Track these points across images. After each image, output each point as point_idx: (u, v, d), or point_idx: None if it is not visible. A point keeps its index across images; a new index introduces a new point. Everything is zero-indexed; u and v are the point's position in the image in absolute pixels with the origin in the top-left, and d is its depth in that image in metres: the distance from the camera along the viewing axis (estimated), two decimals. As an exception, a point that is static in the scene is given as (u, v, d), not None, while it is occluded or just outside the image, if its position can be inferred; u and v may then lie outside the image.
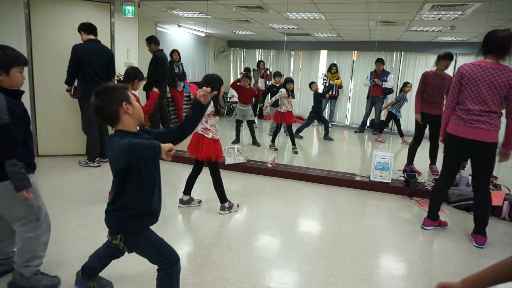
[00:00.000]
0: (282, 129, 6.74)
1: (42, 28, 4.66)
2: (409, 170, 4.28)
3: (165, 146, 1.54)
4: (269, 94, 6.79)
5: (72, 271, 2.18)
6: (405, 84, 7.00)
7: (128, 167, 1.61)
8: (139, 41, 5.45)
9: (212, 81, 2.99)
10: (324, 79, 8.32)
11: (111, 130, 4.03)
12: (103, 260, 2.02)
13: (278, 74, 6.61)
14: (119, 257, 2.01)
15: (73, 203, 3.41)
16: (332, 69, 8.18)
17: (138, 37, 5.42)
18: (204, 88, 1.79)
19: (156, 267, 1.81)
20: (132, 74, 3.31)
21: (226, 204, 3.37)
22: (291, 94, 5.76)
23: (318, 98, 6.86)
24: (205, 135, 3.24)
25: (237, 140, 6.11)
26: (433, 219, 3.21)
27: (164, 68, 5.65)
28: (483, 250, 2.91)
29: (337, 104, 8.80)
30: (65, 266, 2.31)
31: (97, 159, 4.64)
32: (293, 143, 5.94)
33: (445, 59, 4.41)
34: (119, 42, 5.12)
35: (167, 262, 1.79)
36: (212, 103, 3.13)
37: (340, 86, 8.48)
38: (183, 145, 2.90)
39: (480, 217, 2.96)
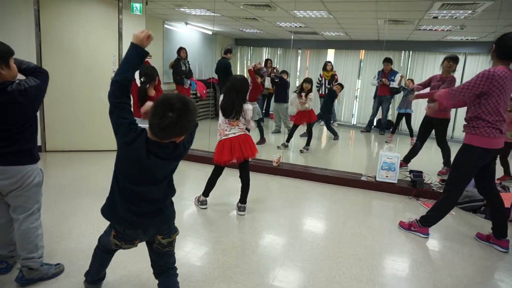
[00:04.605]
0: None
1: (51, 24, 4.69)
2: (415, 171, 4.24)
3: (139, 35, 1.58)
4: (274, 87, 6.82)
5: (77, 266, 2.20)
6: (407, 80, 7.03)
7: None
8: (146, 38, 5.47)
9: (242, 84, 3.11)
10: (318, 79, 8.20)
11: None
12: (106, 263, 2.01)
13: (283, 72, 6.61)
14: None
15: (82, 199, 3.44)
16: (327, 66, 8.00)
17: (145, 34, 5.44)
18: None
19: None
20: (151, 73, 3.23)
21: (245, 205, 3.37)
22: (305, 94, 5.67)
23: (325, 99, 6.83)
24: (247, 132, 3.27)
25: None
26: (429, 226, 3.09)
27: None
28: (490, 252, 2.88)
29: (335, 102, 8.58)
30: (71, 260, 2.33)
31: None
32: (308, 143, 5.91)
33: (449, 60, 4.35)
34: (127, 39, 5.14)
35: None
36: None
37: (336, 80, 8.07)
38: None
39: (500, 220, 2.89)
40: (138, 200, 1.60)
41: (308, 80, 5.72)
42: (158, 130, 1.46)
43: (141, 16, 5.25)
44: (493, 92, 2.56)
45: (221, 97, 3.22)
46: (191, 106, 1.47)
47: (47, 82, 2.08)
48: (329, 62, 8.14)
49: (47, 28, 4.68)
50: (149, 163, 1.53)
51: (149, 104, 1.58)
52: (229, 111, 3.13)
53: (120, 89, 1.54)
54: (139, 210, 1.61)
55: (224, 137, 3.20)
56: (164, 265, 1.77)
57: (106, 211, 1.67)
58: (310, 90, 5.67)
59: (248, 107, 3.18)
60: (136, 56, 1.60)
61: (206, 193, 3.40)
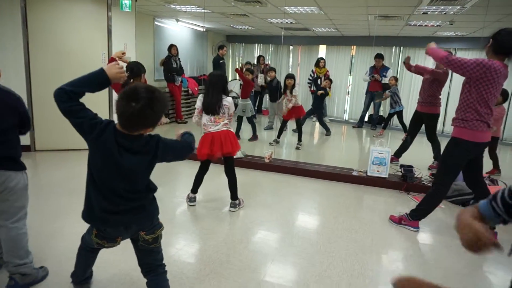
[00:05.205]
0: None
1: (39, 21, 4.63)
2: (406, 165, 4.28)
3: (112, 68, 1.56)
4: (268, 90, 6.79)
5: (68, 266, 2.19)
6: (389, 79, 7.06)
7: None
8: (136, 36, 5.42)
9: (219, 79, 3.15)
10: (311, 75, 8.18)
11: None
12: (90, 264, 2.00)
13: (271, 69, 6.56)
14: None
15: (71, 198, 3.41)
16: (320, 63, 7.98)
17: (135, 31, 5.39)
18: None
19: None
20: (136, 69, 3.20)
21: (237, 201, 3.37)
22: (289, 90, 5.68)
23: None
24: (230, 129, 3.26)
25: (237, 136, 6.09)
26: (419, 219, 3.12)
27: None
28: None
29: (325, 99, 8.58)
30: (61, 260, 2.31)
31: None
32: (299, 139, 5.93)
33: None
34: (116, 36, 5.09)
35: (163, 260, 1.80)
36: (232, 102, 3.25)
37: (327, 76, 8.02)
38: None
39: None
40: (115, 197, 1.57)
41: (289, 76, 5.71)
42: (123, 119, 1.45)
43: (131, 13, 5.21)
44: (485, 81, 2.57)
45: (199, 97, 3.23)
46: (157, 96, 1.46)
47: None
48: (322, 58, 8.13)
49: (34, 25, 4.61)
50: (121, 157, 1.49)
51: None
52: (211, 108, 3.14)
53: (64, 96, 1.49)
54: (118, 207, 1.59)
55: (206, 132, 3.22)
56: (151, 263, 1.75)
57: (85, 215, 1.65)
58: (293, 86, 5.66)
59: (228, 99, 3.19)
60: (96, 78, 1.55)
61: (194, 190, 3.40)
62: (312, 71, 8.13)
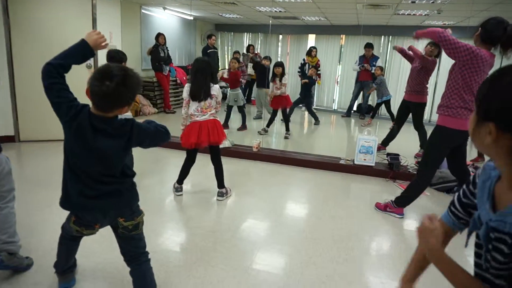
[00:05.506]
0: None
1: (21, 10, 4.50)
2: (392, 154, 4.33)
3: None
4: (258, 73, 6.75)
5: (52, 257, 2.17)
6: (375, 69, 7.09)
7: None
8: (122, 24, 5.32)
9: (205, 65, 3.10)
10: (301, 63, 8.10)
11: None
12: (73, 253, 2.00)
13: (265, 58, 6.55)
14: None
15: (57, 189, 3.35)
16: (312, 52, 7.94)
17: (121, 19, 5.29)
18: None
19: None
20: (118, 57, 3.13)
21: (224, 190, 3.37)
22: (279, 78, 5.67)
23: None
24: (216, 118, 3.24)
25: (225, 126, 6.08)
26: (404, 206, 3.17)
27: None
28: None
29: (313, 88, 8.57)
30: (46, 251, 2.30)
31: None
32: (287, 129, 5.94)
33: (431, 45, 4.50)
34: (101, 24, 4.99)
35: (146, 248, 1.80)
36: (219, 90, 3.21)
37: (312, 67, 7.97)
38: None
39: None
40: (91, 181, 1.56)
41: (278, 64, 5.69)
42: (97, 99, 1.46)
43: (116, 1, 5.11)
44: (470, 68, 2.58)
45: (186, 86, 3.17)
46: (130, 74, 1.47)
47: None
48: (314, 47, 8.09)
49: (16, 14, 4.49)
50: (95, 140, 1.49)
51: None
52: (198, 94, 3.09)
53: (52, 71, 1.51)
54: (94, 191, 1.58)
55: (192, 121, 3.19)
56: (133, 251, 1.74)
57: (62, 201, 1.64)
58: (282, 74, 5.63)
59: (215, 87, 3.17)
60: (79, 48, 1.58)
61: (180, 180, 3.39)
62: (304, 59, 8.09)
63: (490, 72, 2.74)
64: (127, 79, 1.45)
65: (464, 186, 1.01)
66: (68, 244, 1.91)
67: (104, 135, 1.50)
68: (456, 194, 1.04)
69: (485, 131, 0.77)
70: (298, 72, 8.13)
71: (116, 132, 1.52)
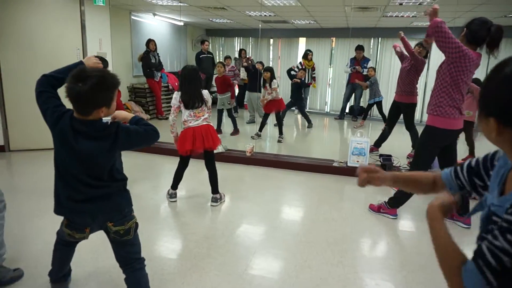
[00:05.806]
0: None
1: (7, 16, 4.45)
2: (385, 155, 4.35)
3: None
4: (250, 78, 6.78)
5: (43, 267, 2.14)
6: (368, 69, 7.15)
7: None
8: (111, 30, 5.30)
9: (193, 73, 3.13)
10: (298, 67, 8.12)
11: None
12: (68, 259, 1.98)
13: (259, 63, 6.61)
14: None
15: (48, 198, 3.31)
16: (308, 55, 7.98)
17: (110, 26, 5.27)
18: None
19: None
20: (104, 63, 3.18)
21: (218, 196, 3.36)
22: (268, 83, 5.67)
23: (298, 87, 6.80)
24: (210, 123, 3.24)
25: (219, 131, 6.07)
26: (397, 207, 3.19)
27: None
28: (454, 229, 2.99)
29: (308, 91, 8.63)
30: (38, 261, 2.26)
31: None
32: (280, 132, 5.94)
33: (419, 46, 4.56)
34: (91, 31, 4.96)
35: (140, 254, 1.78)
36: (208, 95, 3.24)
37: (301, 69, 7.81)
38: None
39: (463, 198, 2.99)
40: (80, 185, 1.56)
41: (266, 69, 5.71)
42: (72, 101, 1.48)
43: (105, 7, 5.08)
44: (457, 67, 2.61)
45: (175, 94, 3.18)
46: (104, 76, 1.50)
47: None
48: (310, 51, 8.13)
49: (2, 21, 4.44)
50: (76, 142, 1.50)
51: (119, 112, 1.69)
52: (190, 102, 3.10)
53: (44, 81, 1.63)
54: (82, 195, 1.58)
55: (186, 127, 3.18)
56: (126, 256, 1.72)
57: (55, 207, 1.64)
58: (271, 79, 5.64)
59: (205, 92, 3.18)
60: (75, 67, 1.63)
61: (174, 186, 3.37)
62: (300, 63, 8.13)
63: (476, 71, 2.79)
64: (101, 80, 1.47)
65: (481, 158, 1.01)
66: (62, 250, 1.89)
67: (86, 137, 1.51)
68: (468, 161, 1.06)
69: (488, 126, 0.79)
70: (288, 74, 8.13)
71: (99, 134, 1.53)
